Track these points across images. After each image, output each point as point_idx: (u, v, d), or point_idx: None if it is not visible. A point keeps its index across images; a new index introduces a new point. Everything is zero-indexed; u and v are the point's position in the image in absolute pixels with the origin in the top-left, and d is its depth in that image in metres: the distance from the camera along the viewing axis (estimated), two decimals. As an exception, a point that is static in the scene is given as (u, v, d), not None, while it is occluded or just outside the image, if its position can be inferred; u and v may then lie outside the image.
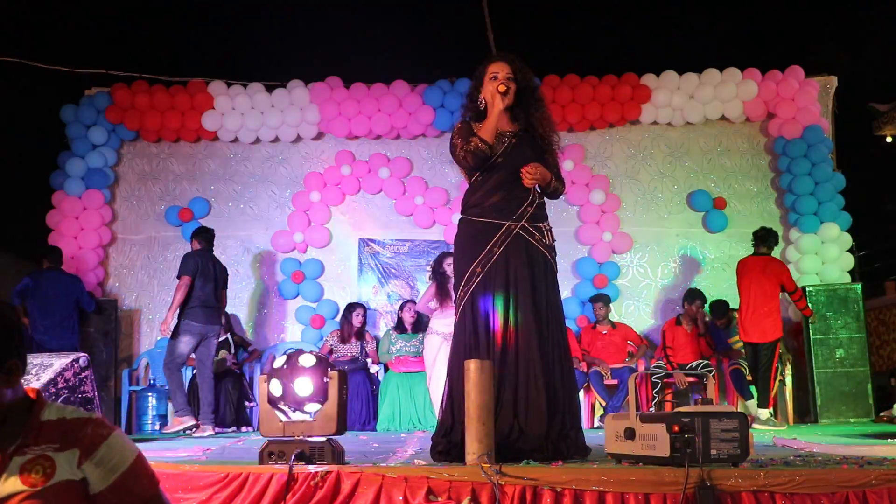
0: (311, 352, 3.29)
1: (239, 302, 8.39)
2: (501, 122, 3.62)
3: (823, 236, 8.01)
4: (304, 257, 8.45)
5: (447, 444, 3.47)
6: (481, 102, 3.67)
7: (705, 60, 8.39)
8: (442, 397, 3.67)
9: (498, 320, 3.46)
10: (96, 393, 4.28)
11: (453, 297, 7.08)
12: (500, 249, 3.51)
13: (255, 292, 8.44)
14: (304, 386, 3.14)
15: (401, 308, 7.81)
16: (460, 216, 3.69)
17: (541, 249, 3.58)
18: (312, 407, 3.17)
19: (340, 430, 3.19)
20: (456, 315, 3.65)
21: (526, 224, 3.55)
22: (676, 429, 2.75)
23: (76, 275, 7.69)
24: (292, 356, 3.21)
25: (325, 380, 3.16)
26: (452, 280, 7.10)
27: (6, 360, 1.67)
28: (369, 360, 7.76)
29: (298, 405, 3.15)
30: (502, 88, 3.54)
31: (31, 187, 8.87)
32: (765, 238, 6.80)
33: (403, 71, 8.46)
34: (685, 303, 7.51)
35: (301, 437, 3.15)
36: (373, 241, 8.50)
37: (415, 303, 7.65)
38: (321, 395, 3.15)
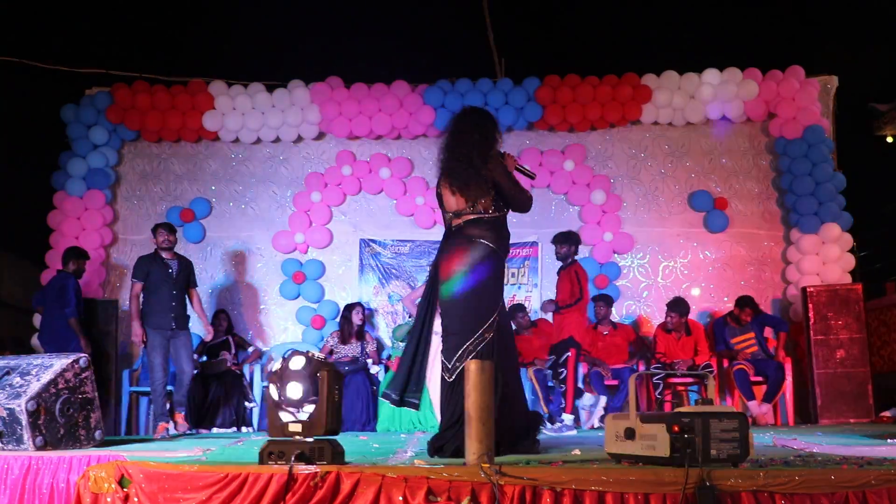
0: (305, 352, 3.29)
1: (239, 302, 8.39)
2: None
3: (824, 236, 7.99)
4: (305, 258, 8.45)
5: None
6: None
7: (705, 60, 8.39)
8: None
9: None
10: (96, 393, 4.28)
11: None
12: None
13: (255, 293, 8.44)
14: (295, 389, 3.16)
15: None
16: (496, 252, 3.99)
17: None
18: (309, 408, 3.17)
19: (331, 430, 3.15)
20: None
21: None
22: (676, 429, 2.75)
23: (68, 273, 7.28)
24: (286, 360, 3.23)
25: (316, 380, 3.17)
26: None
27: None
28: (370, 361, 7.76)
29: (296, 407, 3.15)
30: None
31: (33, 187, 8.87)
32: None
33: (404, 71, 8.47)
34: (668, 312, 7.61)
35: (297, 439, 3.14)
36: (374, 241, 8.50)
37: None
38: (314, 397, 3.15)
